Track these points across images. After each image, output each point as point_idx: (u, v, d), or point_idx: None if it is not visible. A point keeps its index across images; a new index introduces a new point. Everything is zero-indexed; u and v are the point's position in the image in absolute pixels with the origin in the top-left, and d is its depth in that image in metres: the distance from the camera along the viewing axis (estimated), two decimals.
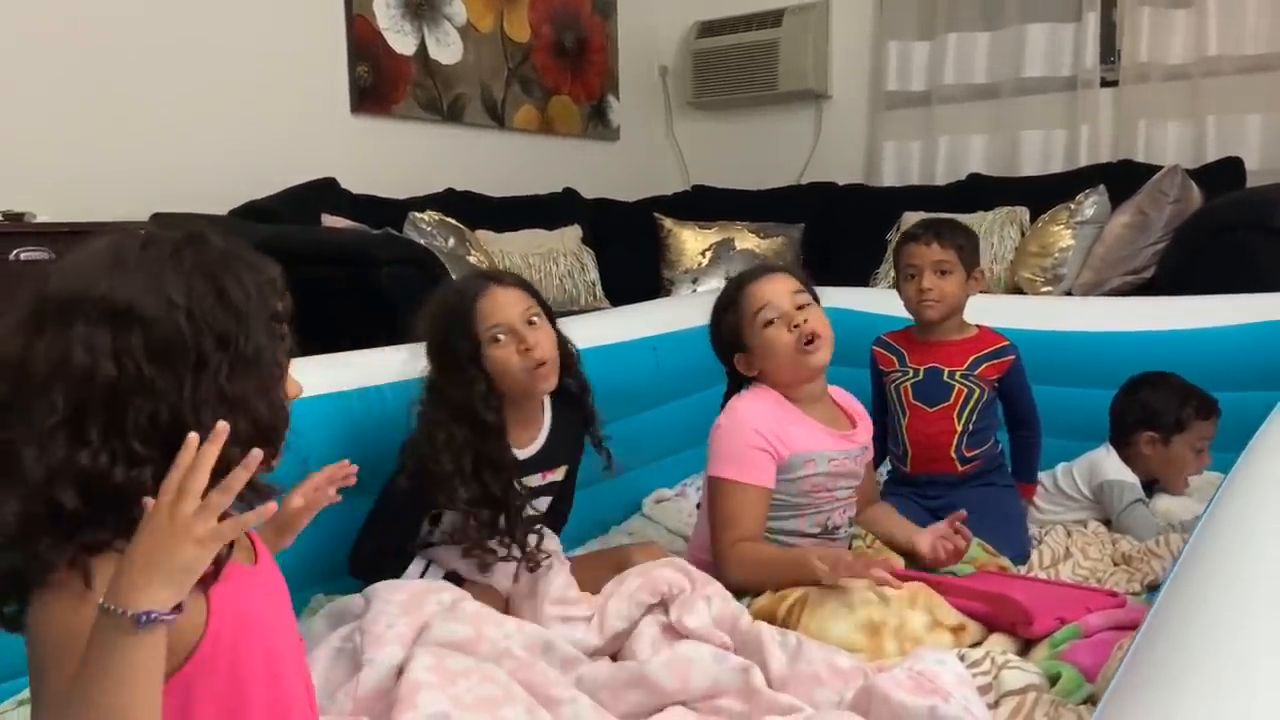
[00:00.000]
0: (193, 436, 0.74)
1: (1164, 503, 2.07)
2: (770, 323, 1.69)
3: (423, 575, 1.55)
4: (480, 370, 1.53)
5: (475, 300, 1.55)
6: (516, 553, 1.56)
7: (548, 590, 1.51)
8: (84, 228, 2.39)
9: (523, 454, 1.64)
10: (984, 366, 2.05)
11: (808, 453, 1.68)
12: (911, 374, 2.08)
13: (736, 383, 1.81)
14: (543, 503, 1.69)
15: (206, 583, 0.78)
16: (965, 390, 2.04)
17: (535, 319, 1.57)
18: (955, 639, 1.44)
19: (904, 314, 2.13)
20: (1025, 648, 1.46)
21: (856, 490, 1.80)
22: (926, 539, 1.71)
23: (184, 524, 0.72)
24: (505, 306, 1.55)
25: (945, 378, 2.05)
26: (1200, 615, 0.79)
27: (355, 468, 1.14)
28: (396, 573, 1.53)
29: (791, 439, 1.68)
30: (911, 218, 3.71)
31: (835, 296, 2.19)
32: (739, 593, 1.53)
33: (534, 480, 1.67)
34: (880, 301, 2.53)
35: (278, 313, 0.85)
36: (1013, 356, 2.07)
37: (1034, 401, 2.10)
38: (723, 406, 1.80)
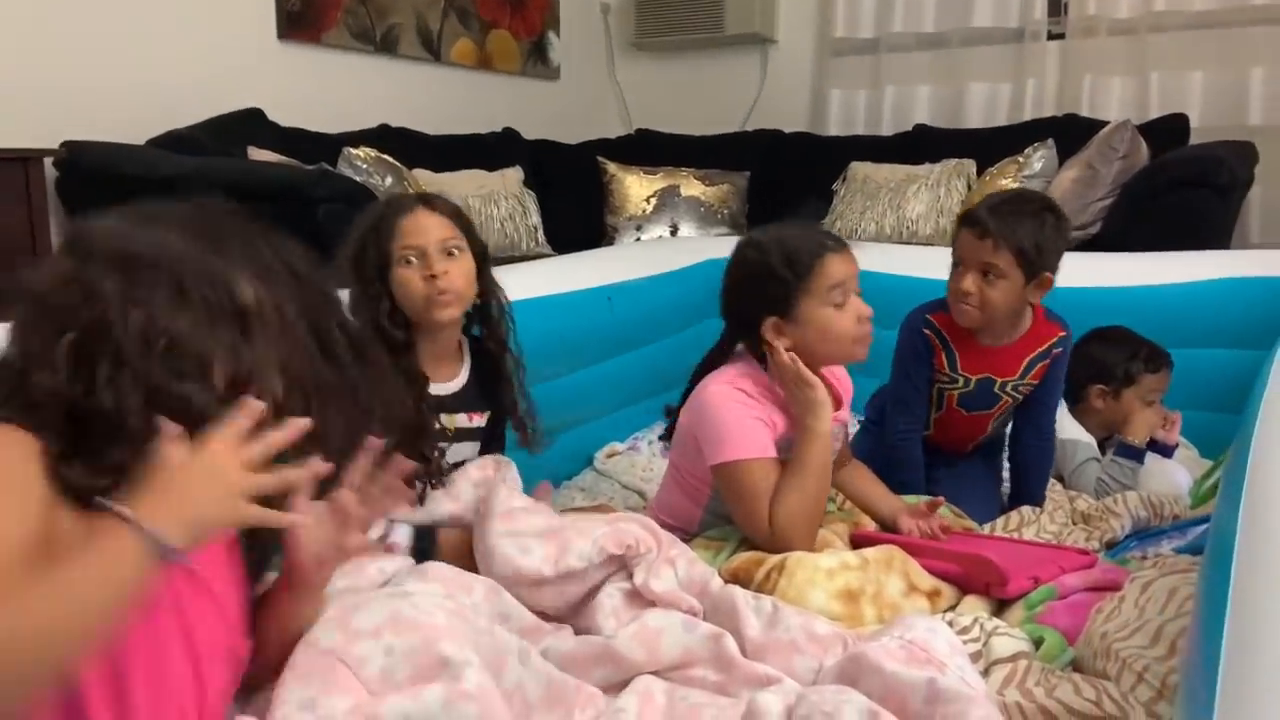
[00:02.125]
0: (256, 402, 0.78)
1: (1155, 464, 2.06)
2: (840, 305, 1.53)
3: (383, 537, 1.45)
4: (385, 287, 1.51)
5: (398, 217, 1.53)
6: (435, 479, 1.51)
7: (491, 508, 1.40)
8: None
9: (441, 389, 1.58)
10: (1037, 368, 1.81)
11: (790, 433, 1.58)
12: (962, 383, 1.83)
13: (730, 345, 1.66)
14: (468, 448, 1.64)
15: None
16: (1011, 400, 1.85)
17: (456, 250, 1.54)
18: (931, 604, 1.41)
19: (898, 271, 2.05)
20: (999, 609, 1.43)
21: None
22: (907, 520, 1.63)
23: (221, 457, 0.75)
24: (426, 230, 1.52)
25: (996, 389, 1.82)
26: None
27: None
28: None
29: (779, 421, 1.57)
30: (859, 168, 3.67)
31: None
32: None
33: (459, 420, 1.61)
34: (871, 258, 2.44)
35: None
36: (1063, 350, 1.82)
37: (1057, 404, 1.91)
38: (703, 368, 1.67)
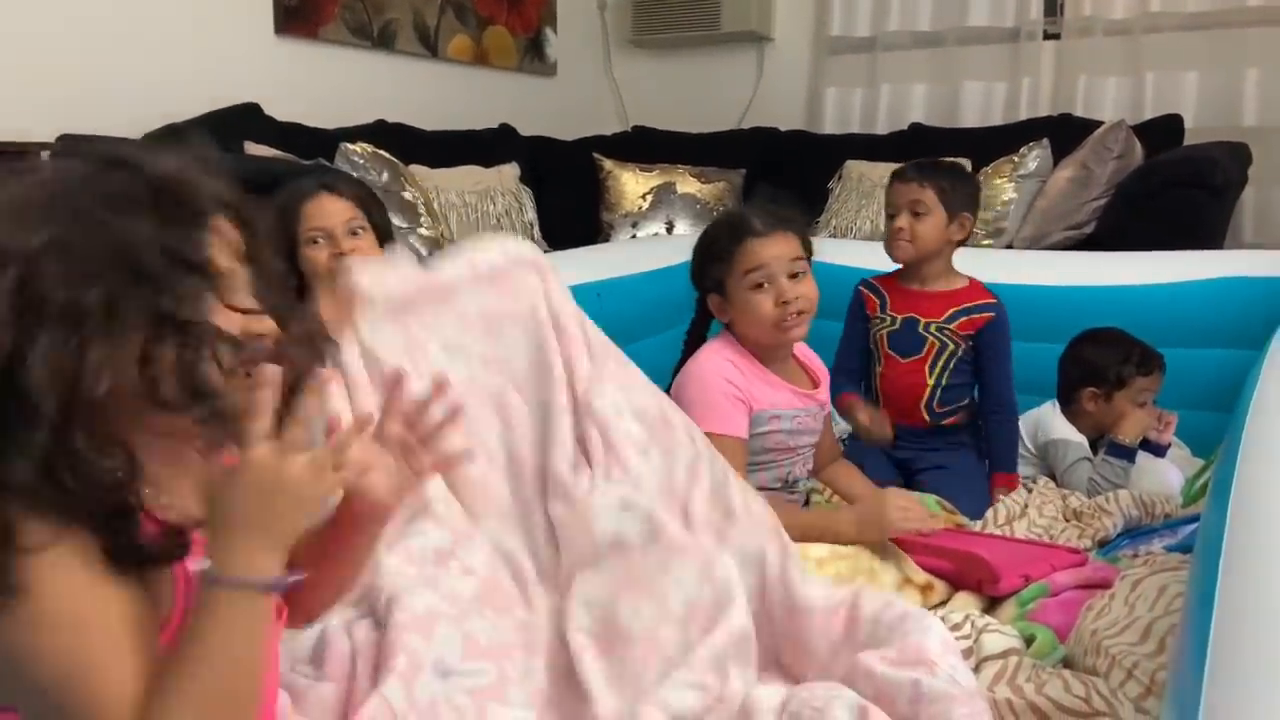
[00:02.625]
0: (273, 369, 0.68)
1: (1147, 463, 2.07)
2: (760, 286, 1.60)
3: None
4: (294, 267, 1.60)
5: (300, 203, 1.62)
6: None
7: None
8: None
9: None
10: (960, 320, 2.01)
11: (773, 409, 1.63)
12: (889, 321, 2.04)
13: (705, 318, 1.76)
14: None
15: (176, 556, 0.69)
16: (938, 344, 2.01)
17: (360, 230, 1.63)
18: (923, 597, 1.42)
19: (878, 266, 2.09)
20: (990, 606, 1.45)
21: (815, 445, 1.75)
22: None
23: (301, 479, 0.67)
24: (330, 214, 1.62)
25: (920, 329, 2.02)
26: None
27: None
28: None
29: (757, 394, 1.62)
30: (854, 166, 3.68)
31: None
32: None
33: None
34: (860, 254, 2.46)
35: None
36: (992, 315, 2.01)
37: (1009, 375, 2.03)
38: (687, 339, 1.75)
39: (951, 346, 2.00)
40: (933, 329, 2.01)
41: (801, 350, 1.77)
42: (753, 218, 1.65)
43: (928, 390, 2.00)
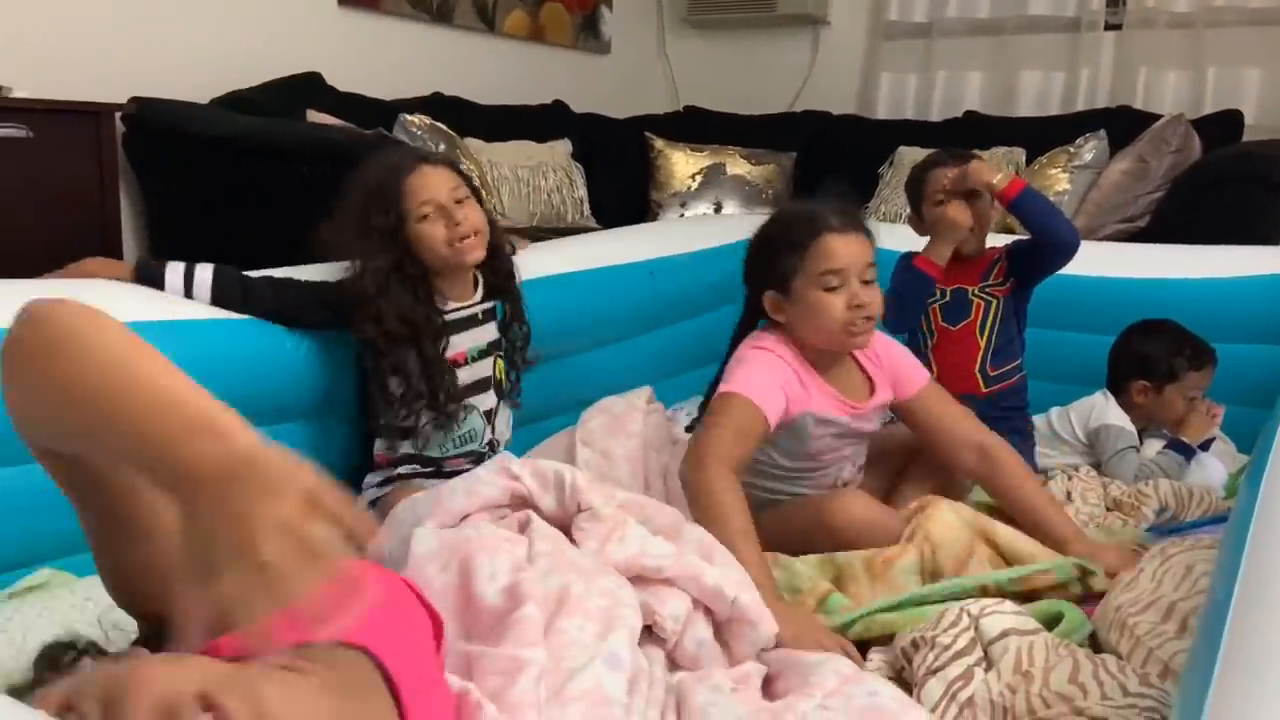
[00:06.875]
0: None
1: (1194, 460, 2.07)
2: (833, 289, 1.52)
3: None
4: (402, 243, 1.61)
5: (402, 178, 1.62)
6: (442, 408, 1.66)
7: None
8: (63, 105, 2.27)
9: (458, 311, 1.73)
10: (994, 273, 2.08)
11: (823, 413, 1.59)
12: (939, 296, 2.07)
13: (753, 319, 1.68)
14: (485, 365, 1.76)
15: None
16: (983, 304, 2.06)
17: (463, 198, 1.64)
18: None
19: None
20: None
21: (866, 440, 1.71)
22: (1114, 557, 1.49)
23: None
24: (435, 185, 1.62)
25: (969, 295, 2.07)
26: None
27: None
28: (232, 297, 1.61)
29: (808, 398, 1.57)
30: (906, 153, 3.66)
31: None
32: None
33: (469, 340, 1.75)
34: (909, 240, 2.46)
35: None
36: (1003, 250, 2.09)
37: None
38: (735, 339, 1.70)
39: (995, 302, 2.06)
40: (976, 292, 2.07)
41: (880, 347, 1.68)
42: (830, 214, 1.55)
43: (980, 352, 2.04)
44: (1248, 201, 2.74)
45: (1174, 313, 2.18)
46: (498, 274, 1.78)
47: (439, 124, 3.13)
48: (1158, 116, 3.29)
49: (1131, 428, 2.08)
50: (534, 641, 1.00)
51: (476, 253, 1.66)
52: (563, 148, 3.71)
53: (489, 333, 1.78)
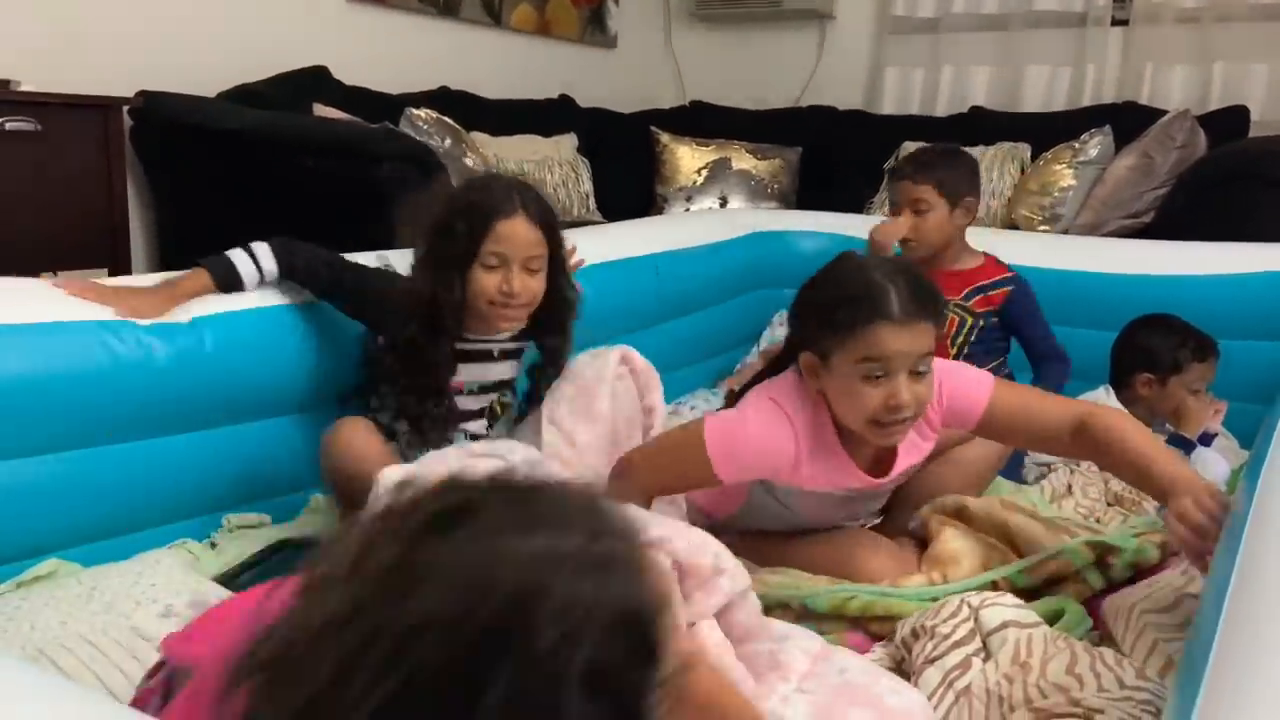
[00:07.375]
0: None
1: (1194, 453, 2.07)
2: (873, 380, 1.32)
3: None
4: (462, 276, 1.55)
5: (496, 218, 1.53)
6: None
7: None
8: (72, 99, 2.29)
9: (490, 342, 1.68)
10: (976, 299, 2.07)
11: (812, 488, 1.47)
12: None
13: (792, 357, 1.48)
14: (484, 399, 1.71)
15: None
16: (958, 320, 2.06)
17: (536, 268, 1.57)
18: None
19: None
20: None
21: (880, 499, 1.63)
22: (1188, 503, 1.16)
23: None
24: (518, 242, 1.54)
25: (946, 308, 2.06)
26: None
27: None
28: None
29: (797, 478, 1.44)
30: (911, 147, 3.66)
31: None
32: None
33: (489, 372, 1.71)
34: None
35: None
36: (1010, 289, 2.07)
37: (1049, 334, 2.09)
38: (772, 364, 1.56)
39: (970, 320, 2.06)
40: (952, 305, 2.06)
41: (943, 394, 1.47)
42: (893, 298, 1.31)
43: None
44: (1253, 198, 2.74)
45: (1178, 309, 2.19)
46: (537, 327, 1.68)
47: (445, 118, 3.14)
48: (1163, 112, 3.29)
49: None
50: None
51: (512, 324, 1.61)
52: (569, 142, 3.72)
53: (500, 370, 1.71)
